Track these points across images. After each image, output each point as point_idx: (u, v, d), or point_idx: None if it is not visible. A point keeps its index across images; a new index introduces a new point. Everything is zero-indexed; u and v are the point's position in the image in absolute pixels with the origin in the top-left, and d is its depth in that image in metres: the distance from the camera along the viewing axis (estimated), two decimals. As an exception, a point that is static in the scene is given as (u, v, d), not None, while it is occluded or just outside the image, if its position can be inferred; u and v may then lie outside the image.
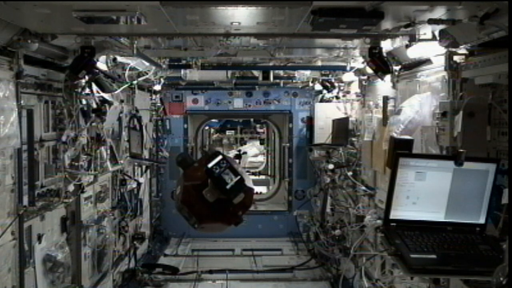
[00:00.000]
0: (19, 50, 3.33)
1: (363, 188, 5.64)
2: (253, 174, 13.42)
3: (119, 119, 5.65)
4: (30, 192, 3.56)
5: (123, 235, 5.88)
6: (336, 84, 7.13)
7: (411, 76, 4.35)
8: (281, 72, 7.63)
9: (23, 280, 3.45)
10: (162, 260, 7.51)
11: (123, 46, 4.11)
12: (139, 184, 6.39)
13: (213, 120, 13.18)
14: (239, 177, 2.08)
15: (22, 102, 3.40)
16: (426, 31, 3.39)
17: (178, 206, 2.20)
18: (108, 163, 5.12)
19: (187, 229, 8.33)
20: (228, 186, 2.03)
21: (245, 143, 19.42)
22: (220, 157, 2.10)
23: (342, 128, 6.66)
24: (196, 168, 2.57)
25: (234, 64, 6.28)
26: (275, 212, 8.88)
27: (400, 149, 3.58)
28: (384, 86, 4.93)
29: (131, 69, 5.45)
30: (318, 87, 7.59)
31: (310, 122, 8.23)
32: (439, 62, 3.62)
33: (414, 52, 3.90)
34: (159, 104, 7.88)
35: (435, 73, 3.79)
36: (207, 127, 12.33)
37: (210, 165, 2.06)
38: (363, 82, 5.90)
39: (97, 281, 5.04)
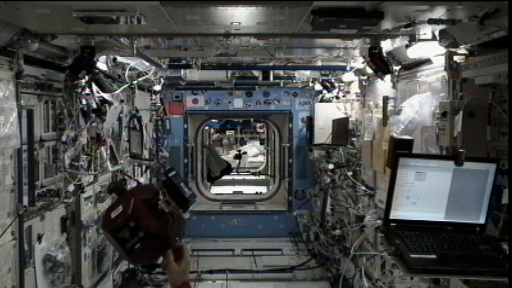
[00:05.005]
0: (19, 50, 3.33)
1: (363, 188, 5.63)
2: (253, 174, 13.44)
3: (119, 119, 5.64)
4: (30, 192, 3.55)
5: (123, 235, 5.86)
6: (336, 84, 7.12)
7: (411, 76, 4.35)
8: (281, 72, 7.61)
9: (23, 280, 3.45)
10: (162, 260, 7.49)
11: (123, 46, 4.10)
12: (139, 184, 6.39)
13: (213, 120, 13.18)
14: (191, 191, 2.19)
15: (22, 102, 3.39)
16: (426, 31, 3.39)
17: (116, 227, 2.21)
18: (108, 163, 5.11)
19: (187, 229, 8.34)
20: (187, 196, 2.14)
21: (245, 143, 19.45)
22: (174, 171, 2.20)
23: (342, 128, 6.66)
24: (141, 188, 2.78)
25: (234, 64, 6.28)
26: (275, 212, 8.86)
27: (400, 149, 3.58)
28: (384, 86, 4.93)
29: (131, 69, 5.44)
30: (318, 87, 7.58)
31: (310, 122, 8.21)
32: (439, 62, 3.62)
33: (414, 52, 3.90)
34: (159, 104, 7.87)
35: (435, 73, 3.79)
36: (207, 127, 12.33)
37: (170, 174, 2.15)
38: (363, 82, 5.89)
39: (97, 281, 5.03)
